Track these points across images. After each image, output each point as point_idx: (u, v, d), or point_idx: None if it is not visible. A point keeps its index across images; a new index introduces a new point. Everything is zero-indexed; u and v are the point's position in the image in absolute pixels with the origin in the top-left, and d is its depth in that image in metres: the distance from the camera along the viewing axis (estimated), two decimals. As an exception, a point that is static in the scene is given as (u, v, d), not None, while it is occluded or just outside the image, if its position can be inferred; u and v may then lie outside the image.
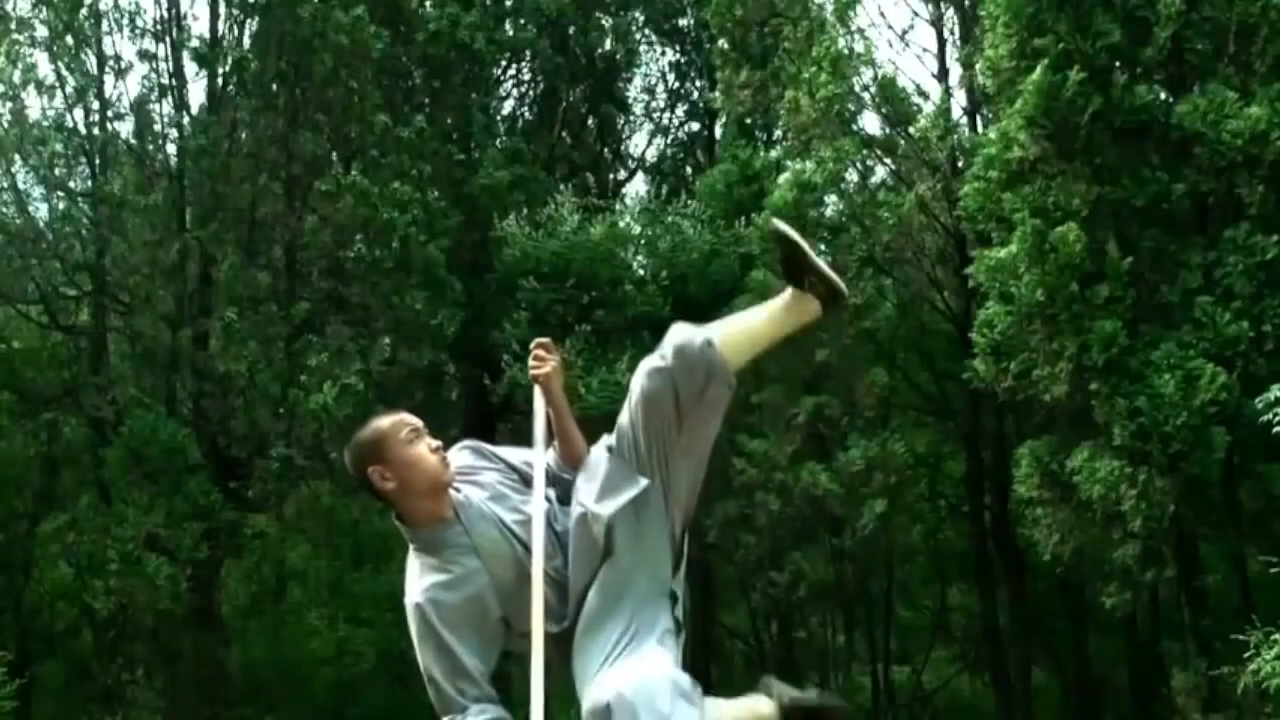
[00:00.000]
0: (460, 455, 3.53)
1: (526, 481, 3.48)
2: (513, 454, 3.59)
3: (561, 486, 3.50)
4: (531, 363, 3.55)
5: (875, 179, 18.91)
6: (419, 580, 3.36)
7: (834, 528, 17.22)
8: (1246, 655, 11.44)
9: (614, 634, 3.25)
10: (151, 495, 15.60)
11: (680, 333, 3.29)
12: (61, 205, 17.70)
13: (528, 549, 3.37)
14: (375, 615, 17.97)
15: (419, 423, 3.44)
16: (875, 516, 16.26)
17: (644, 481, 3.29)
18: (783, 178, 17.37)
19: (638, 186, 23.91)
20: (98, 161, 17.54)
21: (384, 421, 3.45)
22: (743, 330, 3.46)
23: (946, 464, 19.44)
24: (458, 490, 3.41)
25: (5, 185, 17.69)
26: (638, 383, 3.28)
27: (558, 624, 3.38)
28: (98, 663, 17.08)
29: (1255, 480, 14.25)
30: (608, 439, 3.45)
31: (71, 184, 17.84)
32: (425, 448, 3.39)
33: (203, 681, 16.66)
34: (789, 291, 3.46)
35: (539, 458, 3.49)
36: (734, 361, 3.36)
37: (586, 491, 3.38)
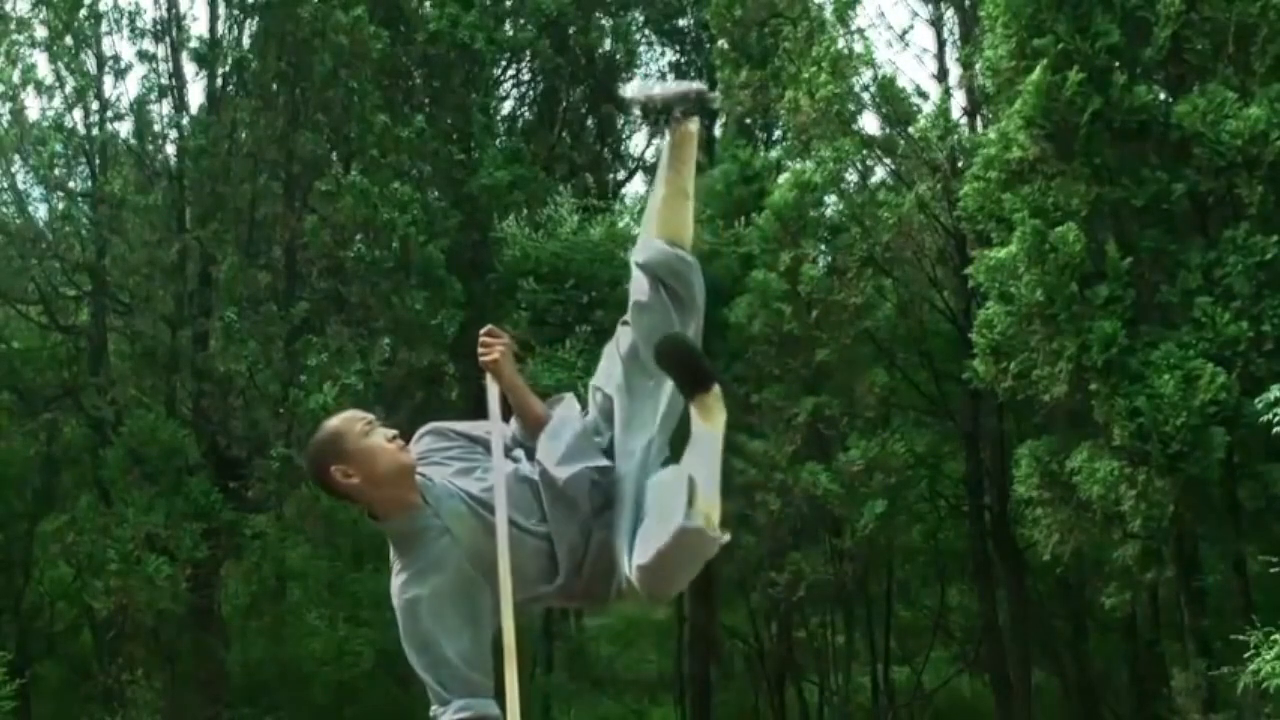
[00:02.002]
0: (422, 441, 3.54)
1: (491, 451, 3.50)
2: (474, 428, 3.60)
3: (529, 450, 3.53)
4: (480, 350, 3.56)
5: (875, 179, 18.94)
6: (398, 575, 3.36)
7: (834, 528, 17.22)
8: (1246, 655, 11.45)
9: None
10: (151, 495, 15.59)
11: (653, 254, 3.46)
12: (61, 205, 17.67)
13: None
14: (375, 615, 17.92)
15: (370, 415, 3.44)
16: (875, 516, 16.26)
17: (604, 461, 3.40)
18: (783, 178, 17.38)
19: (638, 186, 23.94)
20: (97, 162, 17.51)
21: (335, 420, 3.45)
22: (664, 211, 3.54)
23: (946, 464, 19.43)
24: (421, 475, 3.41)
25: (5, 185, 17.68)
26: (644, 318, 3.42)
27: (549, 582, 3.39)
28: (97, 663, 17.09)
29: (1255, 480, 14.25)
30: (572, 400, 3.56)
31: (71, 184, 17.81)
32: (382, 437, 3.38)
33: (203, 681, 16.66)
34: (666, 139, 3.51)
35: (496, 430, 3.49)
36: (687, 239, 3.52)
37: (549, 452, 3.44)
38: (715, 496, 3.22)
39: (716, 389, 3.29)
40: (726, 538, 3.24)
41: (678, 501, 3.16)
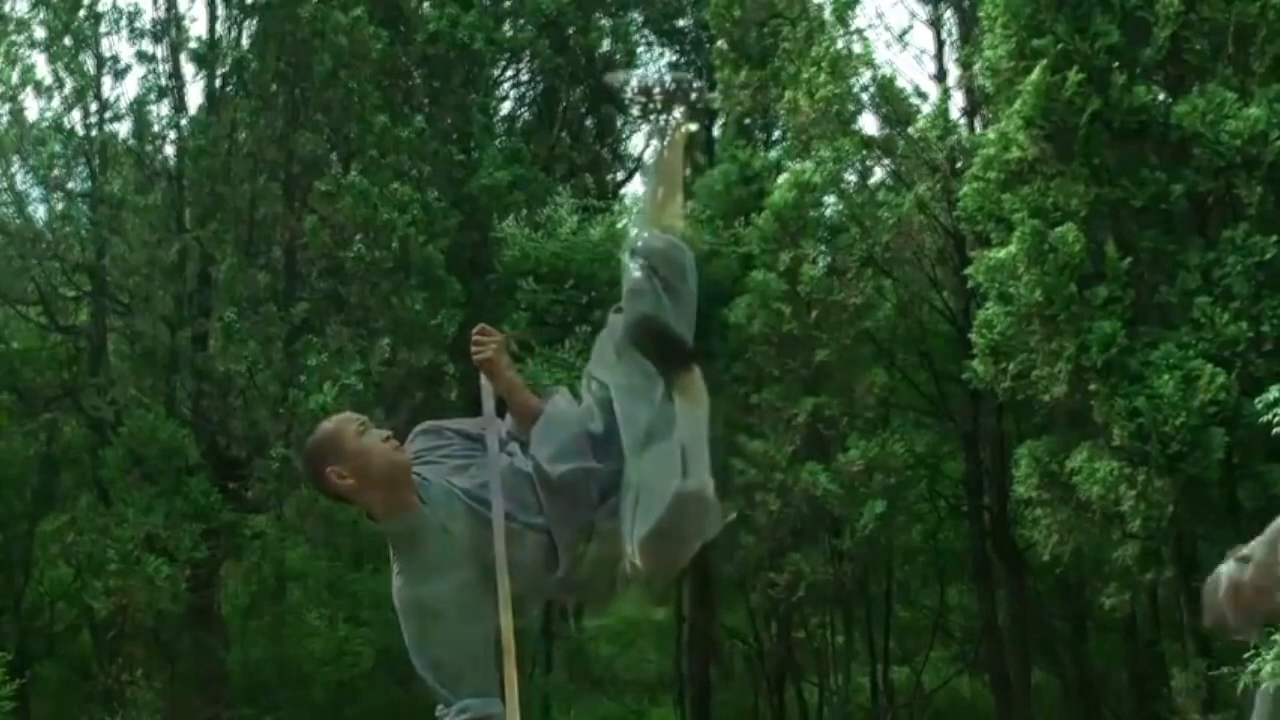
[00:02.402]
0: (417, 440, 3.56)
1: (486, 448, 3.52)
2: (469, 424, 3.61)
3: (523, 444, 3.55)
4: (473, 349, 3.58)
5: (875, 179, 18.95)
6: (398, 576, 3.37)
7: (834, 528, 17.21)
8: (1246, 655, 11.44)
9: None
10: (151, 495, 15.57)
11: (647, 241, 3.48)
12: (60, 206, 17.67)
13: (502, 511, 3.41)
14: (375, 615, 17.93)
15: (364, 417, 3.47)
16: (875, 516, 16.26)
17: (596, 464, 3.41)
18: (782, 178, 17.37)
19: (637, 187, 23.93)
20: (96, 162, 17.50)
21: (329, 423, 3.48)
22: (659, 205, 3.60)
23: (946, 464, 19.43)
24: (418, 474, 3.41)
25: (4, 186, 17.67)
26: (639, 304, 3.43)
27: (551, 574, 3.41)
28: (97, 663, 17.07)
29: (1255, 480, 14.23)
30: (565, 394, 3.61)
31: (70, 185, 17.79)
32: (376, 438, 3.39)
33: (203, 681, 16.65)
34: (663, 138, 3.60)
35: (491, 426, 3.51)
36: (679, 232, 3.59)
37: (542, 447, 3.46)
38: (706, 471, 3.23)
39: (696, 369, 3.30)
40: (732, 515, 3.26)
41: (672, 472, 3.18)
